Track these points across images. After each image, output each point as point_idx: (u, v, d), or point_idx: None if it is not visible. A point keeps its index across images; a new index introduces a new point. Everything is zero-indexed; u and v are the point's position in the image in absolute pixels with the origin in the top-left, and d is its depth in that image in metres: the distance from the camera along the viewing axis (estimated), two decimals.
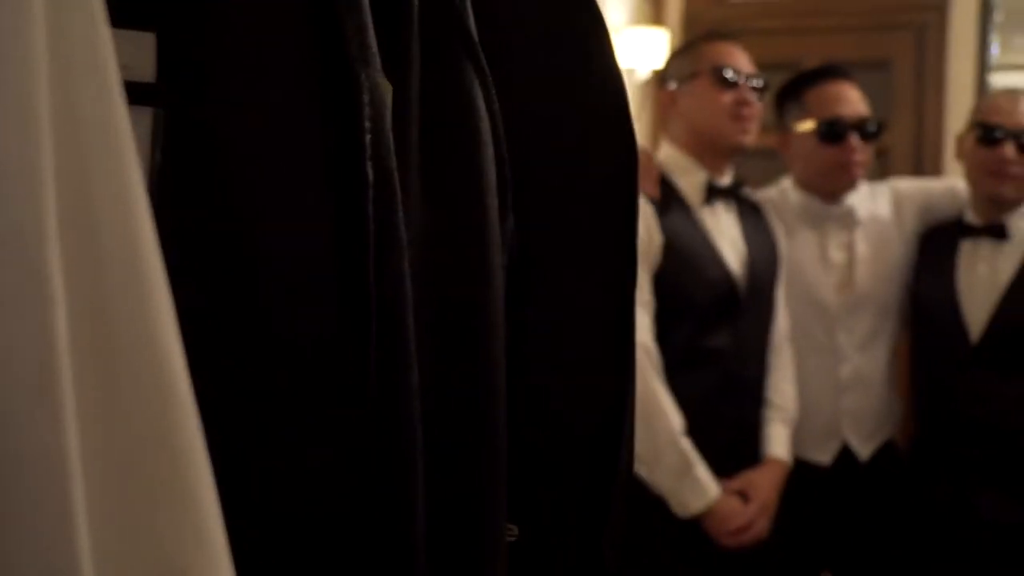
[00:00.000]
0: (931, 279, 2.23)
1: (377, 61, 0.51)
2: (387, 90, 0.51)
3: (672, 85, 2.08)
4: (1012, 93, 2.26)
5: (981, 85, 3.95)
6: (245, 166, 0.48)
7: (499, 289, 0.65)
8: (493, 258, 0.64)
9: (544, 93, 0.77)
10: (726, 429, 2.02)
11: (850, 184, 2.22)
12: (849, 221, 2.24)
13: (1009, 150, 2.10)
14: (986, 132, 2.14)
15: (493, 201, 0.65)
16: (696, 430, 1.93)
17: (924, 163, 3.95)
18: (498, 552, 0.66)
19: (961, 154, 2.24)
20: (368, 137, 0.49)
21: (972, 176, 2.19)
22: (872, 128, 2.19)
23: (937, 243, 2.26)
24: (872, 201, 2.28)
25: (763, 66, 3.89)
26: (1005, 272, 2.14)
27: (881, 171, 4.11)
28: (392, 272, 0.51)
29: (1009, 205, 2.16)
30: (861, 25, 4.12)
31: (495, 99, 0.66)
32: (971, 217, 2.21)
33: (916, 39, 4.08)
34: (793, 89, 2.27)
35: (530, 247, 0.74)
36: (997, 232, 2.16)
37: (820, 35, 4.12)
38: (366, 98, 0.49)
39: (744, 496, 2.00)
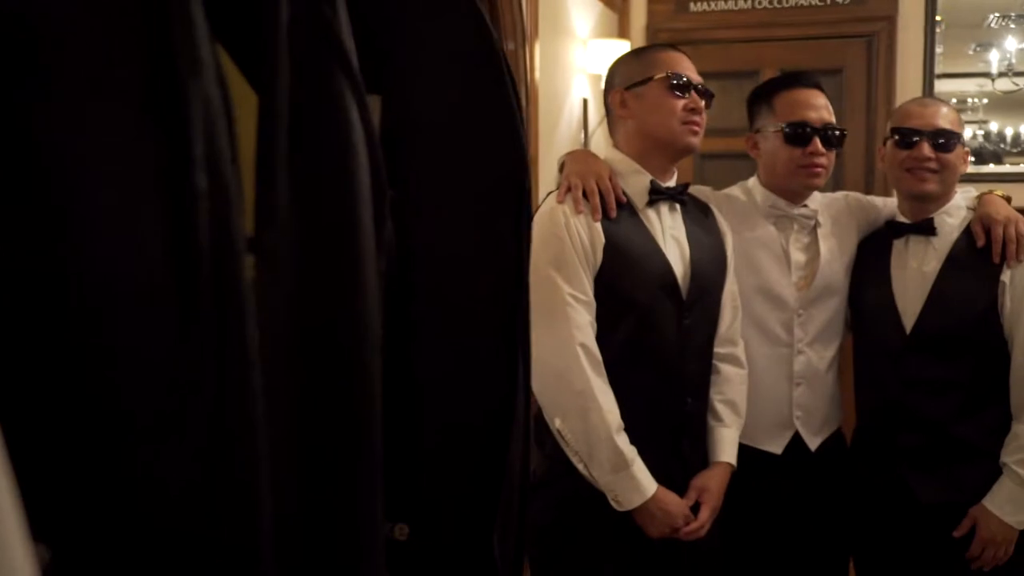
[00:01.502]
0: (868, 277, 2.23)
1: (211, 72, 0.48)
2: (221, 103, 0.49)
3: (621, 88, 2.04)
4: (922, 100, 2.28)
5: (927, 90, 3.95)
6: (74, 180, 0.46)
7: (373, 293, 0.63)
8: (366, 263, 0.62)
9: (439, 106, 0.75)
10: (668, 425, 1.98)
11: (812, 185, 2.20)
12: (811, 222, 2.22)
13: (926, 148, 2.11)
14: (903, 135, 2.15)
15: (367, 207, 0.62)
16: (637, 426, 1.90)
17: (874, 162, 3.95)
18: (374, 550, 0.63)
19: (883, 162, 2.25)
20: (199, 147, 0.47)
21: (896, 177, 2.19)
22: (836, 134, 2.17)
23: (872, 244, 2.26)
24: (829, 207, 2.27)
25: (723, 74, 3.90)
26: (933, 266, 2.14)
27: (835, 170, 4.12)
28: (228, 279, 0.48)
29: (934, 201, 2.16)
30: (816, 35, 4.12)
31: (369, 107, 0.63)
32: (901, 217, 2.22)
33: (867, 48, 4.08)
34: (764, 93, 2.25)
35: (418, 252, 0.72)
36: (926, 228, 2.16)
37: (777, 44, 4.11)
38: (196, 109, 0.47)
39: (699, 502, 1.98)
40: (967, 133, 5.01)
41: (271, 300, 0.58)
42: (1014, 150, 4.80)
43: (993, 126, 4.90)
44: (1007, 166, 4.70)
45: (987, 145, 4.86)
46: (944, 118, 2.15)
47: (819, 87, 2.21)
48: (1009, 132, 4.90)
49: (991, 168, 4.69)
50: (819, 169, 2.14)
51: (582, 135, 3.70)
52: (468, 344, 0.74)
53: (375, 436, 0.62)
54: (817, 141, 2.13)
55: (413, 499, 0.72)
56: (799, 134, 2.13)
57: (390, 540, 0.71)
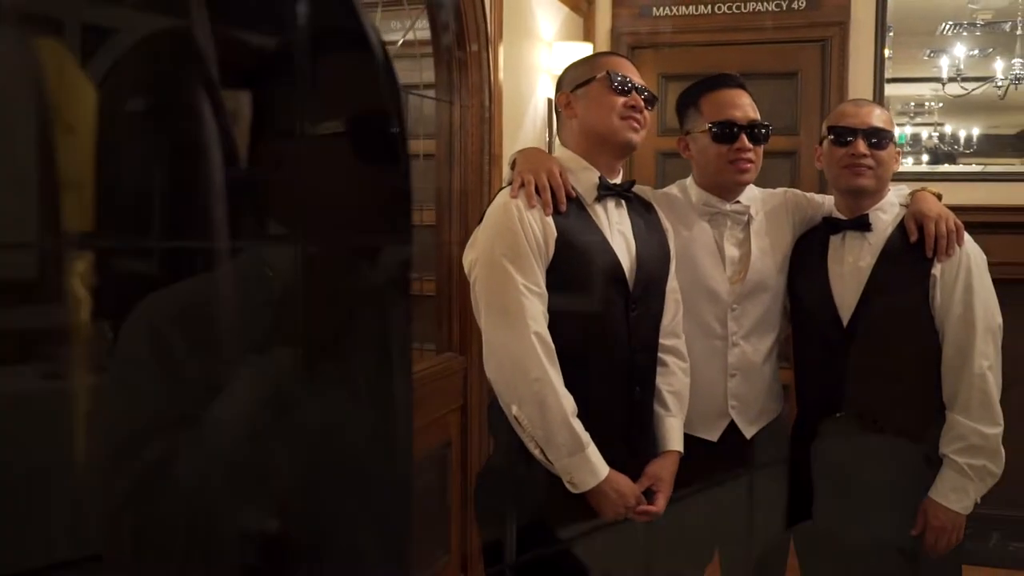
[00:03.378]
0: (806, 271, 2.21)
1: None
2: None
3: (567, 91, 2.02)
4: (856, 100, 2.25)
5: (877, 93, 3.94)
6: None
7: (228, 280, 0.60)
8: (218, 250, 0.60)
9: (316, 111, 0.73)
10: (617, 413, 1.96)
11: (742, 181, 2.17)
12: (743, 218, 2.20)
13: (861, 145, 2.10)
14: (839, 133, 2.14)
15: (219, 200, 0.60)
16: (587, 414, 1.87)
17: None
18: None
19: (820, 162, 2.23)
20: None
21: (833, 175, 2.17)
22: (761, 130, 2.15)
23: (810, 239, 2.24)
24: (765, 203, 2.25)
25: (684, 76, 3.87)
26: (868, 261, 2.12)
27: (791, 168, 4.10)
28: None
29: (869, 197, 2.15)
30: (773, 39, 4.09)
31: (224, 104, 0.61)
32: (837, 214, 2.20)
33: (821, 52, 4.05)
34: (691, 96, 2.23)
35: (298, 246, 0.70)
36: (862, 225, 2.14)
37: (736, 48, 4.09)
38: None
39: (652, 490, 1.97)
40: (923, 135, 5.01)
41: (108, 288, 0.55)
42: (967, 151, 4.81)
43: (948, 128, 4.90)
44: (960, 166, 4.70)
45: (942, 146, 4.85)
46: (877, 118, 2.13)
47: (742, 87, 2.19)
48: (962, 134, 4.90)
49: (946, 168, 4.70)
50: (747, 164, 2.13)
51: (547, 135, 3.67)
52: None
53: None
54: (744, 137, 2.12)
55: None
56: (726, 132, 2.12)
57: None
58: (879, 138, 2.11)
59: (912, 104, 4.96)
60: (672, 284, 2.08)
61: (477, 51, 3.06)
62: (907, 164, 4.70)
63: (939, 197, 2.18)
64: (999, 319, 2.08)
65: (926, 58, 4.76)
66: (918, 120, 5.03)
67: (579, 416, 1.86)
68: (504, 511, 1.97)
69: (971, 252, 2.08)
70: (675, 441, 2.03)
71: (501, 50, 3.22)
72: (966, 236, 2.10)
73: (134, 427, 1.03)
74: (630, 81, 1.96)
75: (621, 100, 1.95)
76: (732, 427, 2.16)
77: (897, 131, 4.94)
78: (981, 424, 2.03)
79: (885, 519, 2.11)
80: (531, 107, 3.58)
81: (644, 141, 2.09)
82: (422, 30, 3.14)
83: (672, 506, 2.01)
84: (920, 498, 2.08)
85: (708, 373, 2.15)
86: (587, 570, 1.96)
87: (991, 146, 4.73)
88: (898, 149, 2.18)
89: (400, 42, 3.24)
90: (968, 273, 2.06)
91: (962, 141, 4.85)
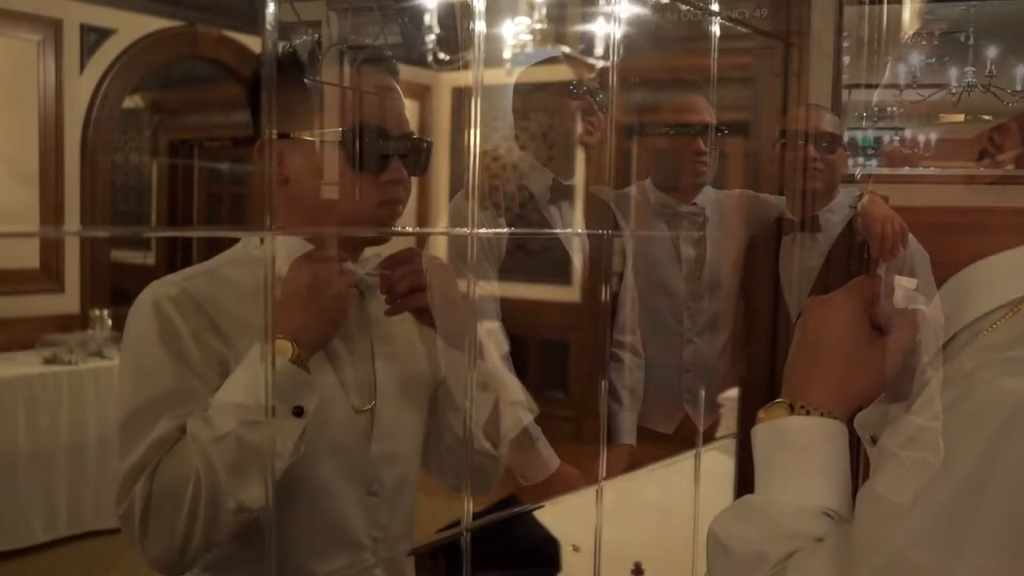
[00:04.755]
0: (758, 270, 2.22)
1: None
2: None
3: (524, 95, 2.03)
4: (807, 106, 2.27)
5: (835, 99, 3.95)
6: None
7: None
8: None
9: None
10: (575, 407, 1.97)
11: (698, 183, 2.18)
12: (699, 218, 2.21)
13: (811, 149, 2.13)
14: (790, 138, 2.14)
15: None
16: (541, 407, 1.87)
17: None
18: None
19: (773, 164, 2.24)
20: None
21: (784, 177, 2.18)
22: (717, 134, 2.16)
23: (763, 239, 2.26)
24: (721, 204, 2.26)
25: (648, 80, 3.86)
26: (818, 260, 2.14)
27: (753, 171, 4.11)
28: None
29: (820, 199, 2.16)
30: (733, 46, 4.09)
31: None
32: (789, 215, 2.20)
33: (782, 59, 4.06)
34: (650, 99, 2.23)
35: None
36: (812, 225, 2.15)
37: (700, 54, 4.08)
38: None
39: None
40: (885, 138, 5.06)
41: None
42: (926, 154, 4.83)
43: (908, 133, 4.93)
44: (920, 169, 4.71)
45: (902, 150, 4.88)
46: (827, 122, 2.15)
47: (699, 89, 2.19)
48: (921, 138, 4.94)
49: (906, 170, 4.71)
50: (703, 167, 2.14)
51: None
52: None
53: None
54: (700, 141, 2.12)
55: None
56: (682, 135, 2.11)
57: None
58: (829, 142, 2.12)
59: (875, 108, 5.00)
60: (628, 281, 2.09)
61: (450, 54, 3.06)
62: (871, 166, 4.74)
63: (886, 199, 2.19)
64: (941, 318, 2.09)
65: (884, 65, 4.78)
66: (880, 124, 5.06)
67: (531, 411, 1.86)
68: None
69: (915, 253, 2.09)
70: (628, 434, 2.04)
71: (474, 54, 3.21)
72: (911, 238, 2.11)
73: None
74: (585, 85, 1.97)
75: (575, 103, 1.95)
76: (687, 421, 2.17)
77: (860, 135, 4.99)
78: (921, 418, 2.04)
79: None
80: (502, 111, 3.57)
81: (605, 142, 2.10)
82: (395, 35, 3.13)
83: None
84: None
85: (663, 368, 2.16)
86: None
87: (949, 150, 4.76)
88: (847, 153, 2.20)
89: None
90: (912, 273, 2.07)
91: (921, 145, 4.89)
